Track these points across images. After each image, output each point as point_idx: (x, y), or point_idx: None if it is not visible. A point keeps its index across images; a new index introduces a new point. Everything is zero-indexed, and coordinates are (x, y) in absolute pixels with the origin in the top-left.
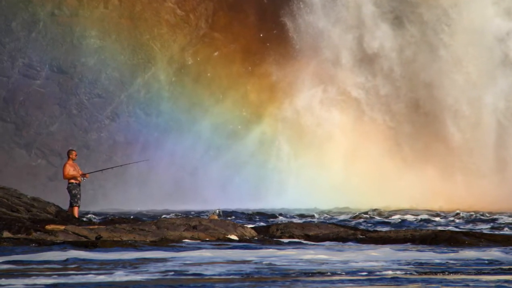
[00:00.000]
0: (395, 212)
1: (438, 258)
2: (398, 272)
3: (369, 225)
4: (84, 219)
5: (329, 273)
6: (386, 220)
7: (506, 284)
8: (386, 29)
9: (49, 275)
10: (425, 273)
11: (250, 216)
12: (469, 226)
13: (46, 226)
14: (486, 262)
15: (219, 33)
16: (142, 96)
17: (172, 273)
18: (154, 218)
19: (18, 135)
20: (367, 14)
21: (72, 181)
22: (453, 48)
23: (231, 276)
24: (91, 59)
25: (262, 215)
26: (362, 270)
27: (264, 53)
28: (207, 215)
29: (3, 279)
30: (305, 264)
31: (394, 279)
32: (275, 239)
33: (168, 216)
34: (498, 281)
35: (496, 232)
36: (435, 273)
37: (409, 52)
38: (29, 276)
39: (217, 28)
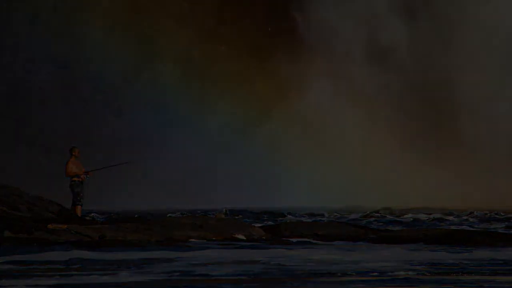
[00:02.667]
0: (408, 210)
1: (452, 258)
2: (410, 272)
3: (380, 224)
4: (87, 218)
5: (339, 274)
6: (398, 219)
7: None
8: (399, 23)
9: (51, 276)
10: (438, 274)
11: (258, 215)
12: (483, 225)
13: (48, 225)
14: (501, 262)
15: (226, 27)
16: (147, 92)
17: (178, 273)
18: (160, 217)
19: (20, 132)
20: (379, 8)
21: (75, 179)
22: (468, 43)
23: (238, 277)
24: (94, 54)
25: (271, 214)
26: (373, 270)
27: (273, 48)
28: (214, 214)
29: (4, 280)
30: (314, 265)
31: (406, 280)
32: (283, 238)
33: (174, 215)
34: None
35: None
36: (449, 274)
37: (422, 48)
38: (30, 276)
39: (224, 22)
